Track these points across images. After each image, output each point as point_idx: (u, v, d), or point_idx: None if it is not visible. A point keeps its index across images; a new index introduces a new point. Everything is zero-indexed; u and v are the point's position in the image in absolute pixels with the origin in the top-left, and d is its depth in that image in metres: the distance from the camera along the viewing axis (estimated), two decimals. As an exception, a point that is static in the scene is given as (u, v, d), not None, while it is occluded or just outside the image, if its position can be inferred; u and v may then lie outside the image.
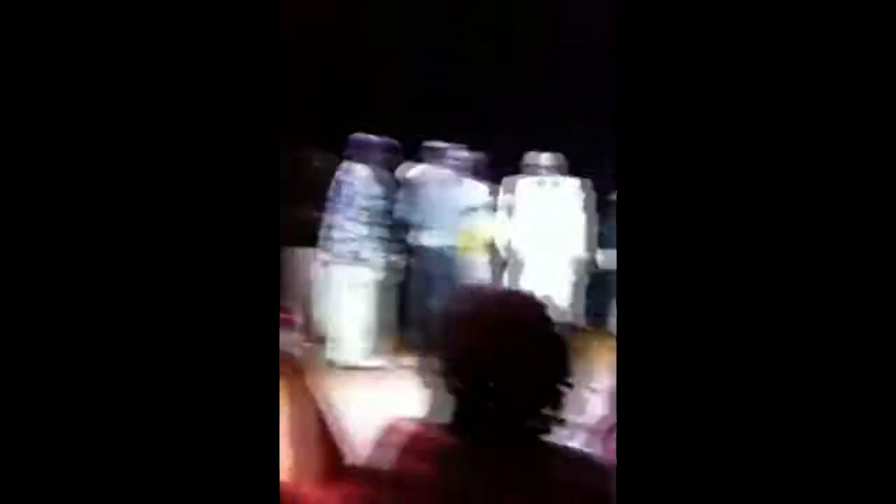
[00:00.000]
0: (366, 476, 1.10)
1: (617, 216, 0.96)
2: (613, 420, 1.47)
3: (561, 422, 1.07)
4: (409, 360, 4.52)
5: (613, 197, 4.89)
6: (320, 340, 4.96)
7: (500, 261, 5.29)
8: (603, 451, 1.36)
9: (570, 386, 1.08)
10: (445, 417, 1.07)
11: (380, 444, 1.11)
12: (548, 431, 1.07)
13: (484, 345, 1.04)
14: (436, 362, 1.08)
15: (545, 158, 5.07)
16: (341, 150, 4.99)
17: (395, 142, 4.96)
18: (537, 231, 5.07)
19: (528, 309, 1.10)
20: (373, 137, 4.91)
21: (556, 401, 1.07)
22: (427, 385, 1.09)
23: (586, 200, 5.14)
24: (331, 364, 4.73)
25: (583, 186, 5.12)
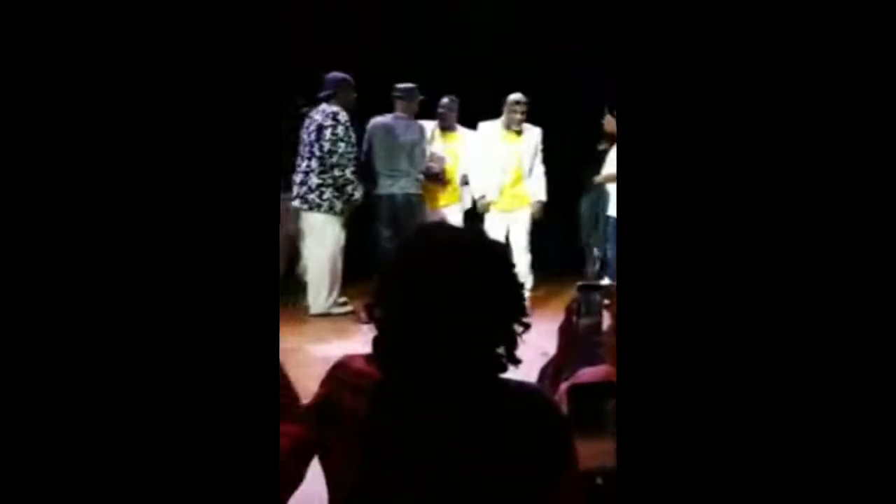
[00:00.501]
0: (311, 416, 1.09)
1: (617, 215, 0.96)
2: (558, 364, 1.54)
3: (515, 361, 1.07)
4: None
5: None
6: (293, 286, 5.03)
7: (463, 206, 5.30)
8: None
9: (525, 326, 1.08)
10: (394, 356, 1.06)
11: (326, 381, 1.11)
12: (502, 369, 1.07)
13: (435, 281, 1.02)
14: (387, 299, 1.07)
15: (517, 98, 4.99)
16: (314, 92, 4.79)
17: (348, 77, 4.71)
18: (498, 176, 5.03)
19: (483, 247, 1.08)
20: (336, 75, 4.66)
21: (510, 340, 1.07)
22: (378, 323, 1.08)
23: (543, 148, 5.12)
24: (305, 310, 4.80)
25: (541, 134, 5.10)
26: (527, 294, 4.60)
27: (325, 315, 4.72)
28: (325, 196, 4.57)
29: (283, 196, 4.52)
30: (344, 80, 4.69)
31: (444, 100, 5.27)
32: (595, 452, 1.17)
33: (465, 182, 5.23)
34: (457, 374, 1.03)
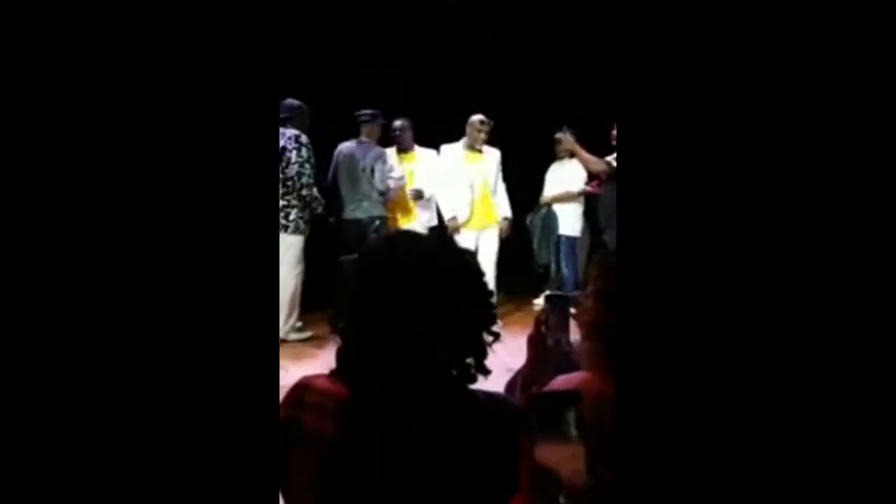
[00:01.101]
0: None
1: (617, 214, 0.94)
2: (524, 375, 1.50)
3: (484, 371, 1.05)
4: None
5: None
6: None
7: (423, 223, 5.34)
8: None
9: (494, 335, 1.05)
10: (360, 370, 1.02)
11: (285, 403, 1.06)
12: (470, 380, 1.04)
13: (398, 288, 0.99)
14: (350, 309, 1.03)
15: (481, 118, 5.11)
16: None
17: (302, 104, 4.80)
18: (467, 195, 5.14)
19: (448, 253, 1.05)
20: (293, 101, 4.76)
21: (479, 350, 1.04)
22: (342, 335, 1.04)
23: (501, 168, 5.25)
24: None
25: (499, 154, 5.23)
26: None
27: (282, 342, 4.58)
28: (290, 217, 4.59)
29: None
30: (299, 106, 4.77)
31: (397, 122, 5.37)
32: (560, 458, 1.11)
33: (417, 197, 5.29)
34: (423, 385, 0.99)
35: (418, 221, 5.31)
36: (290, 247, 4.59)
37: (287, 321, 4.66)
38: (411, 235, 1.10)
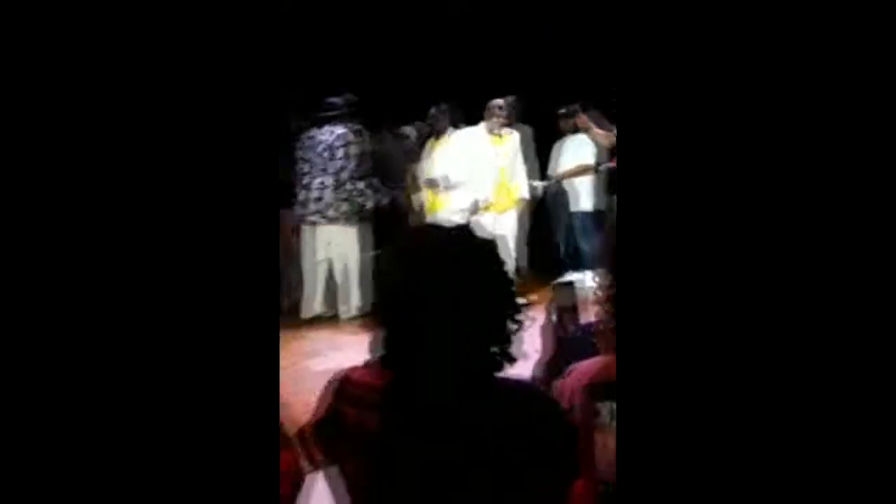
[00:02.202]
0: (314, 434, 1.08)
1: (617, 214, 0.95)
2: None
3: (511, 359, 1.05)
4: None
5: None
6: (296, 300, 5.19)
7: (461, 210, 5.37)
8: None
9: (519, 323, 1.06)
10: (391, 360, 1.05)
11: (326, 396, 1.10)
12: (498, 368, 1.05)
13: (425, 281, 1.00)
14: (381, 303, 1.06)
15: (499, 103, 5.14)
16: (311, 111, 5.09)
17: (354, 97, 5.01)
18: (491, 178, 5.17)
19: (473, 245, 1.06)
20: (336, 99, 4.97)
21: (504, 339, 1.05)
22: (375, 329, 1.06)
23: (527, 148, 5.27)
24: (310, 322, 4.95)
25: (524, 133, 5.25)
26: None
27: (356, 318, 4.86)
28: (341, 209, 4.87)
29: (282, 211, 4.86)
30: (348, 101, 4.98)
31: (432, 110, 5.40)
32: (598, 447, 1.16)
33: (435, 185, 5.31)
34: (453, 377, 1.02)
35: (451, 207, 5.32)
36: (343, 237, 4.91)
37: (359, 300, 4.96)
38: (434, 227, 1.12)
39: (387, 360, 1.05)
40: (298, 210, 4.93)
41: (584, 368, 1.32)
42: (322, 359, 4.10)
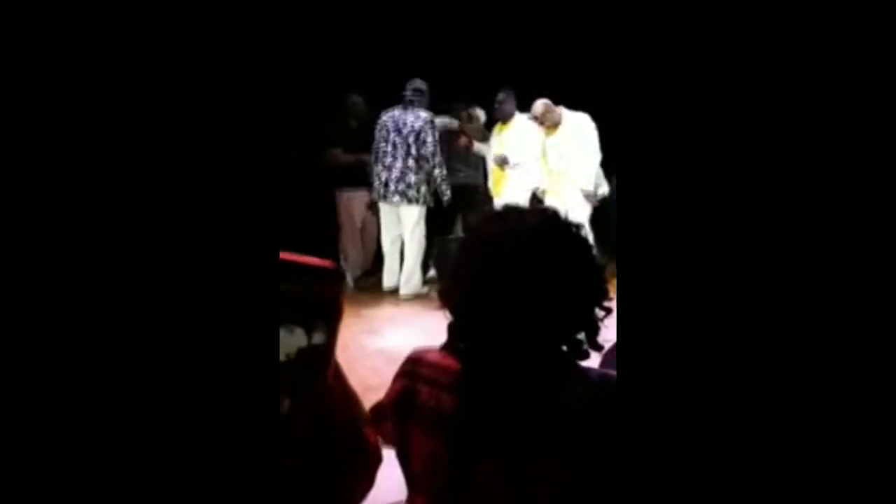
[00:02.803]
0: (389, 413, 1.06)
1: (617, 212, 0.91)
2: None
3: (598, 347, 1.01)
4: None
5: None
6: (371, 273, 5.60)
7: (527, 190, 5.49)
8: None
9: (607, 310, 1.01)
10: (471, 345, 1.01)
11: (400, 376, 1.07)
12: (583, 356, 1.01)
13: (511, 264, 0.96)
14: (462, 285, 1.01)
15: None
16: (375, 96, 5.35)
17: (426, 84, 5.21)
18: (558, 162, 5.27)
19: (558, 228, 1.02)
20: (421, 84, 5.17)
21: (591, 326, 1.00)
22: (452, 310, 1.03)
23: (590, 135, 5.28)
24: (391, 292, 5.25)
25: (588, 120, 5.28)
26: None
27: (417, 296, 5.11)
28: (422, 191, 5.11)
29: (357, 191, 5.43)
30: (425, 86, 5.18)
31: (500, 94, 5.54)
32: None
33: (502, 162, 5.51)
34: (537, 364, 0.97)
35: (513, 190, 5.46)
36: (420, 218, 5.17)
37: (422, 279, 5.29)
38: (518, 210, 1.07)
39: (460, 346, 1.01)
40: (379, 188, 5.15)
41: None
42: (378, 337, 4.12)
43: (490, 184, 5.68)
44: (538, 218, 1.04)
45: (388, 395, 1.08)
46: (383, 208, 5.22)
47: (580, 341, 1.00)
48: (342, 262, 5.47)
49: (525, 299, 0.95)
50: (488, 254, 0.99)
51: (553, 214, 1.04)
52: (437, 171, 5.12)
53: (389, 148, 5.08)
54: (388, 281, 5.28)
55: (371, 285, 5.43)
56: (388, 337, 4.04)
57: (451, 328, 1.03)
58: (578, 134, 5.21)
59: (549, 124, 5.26)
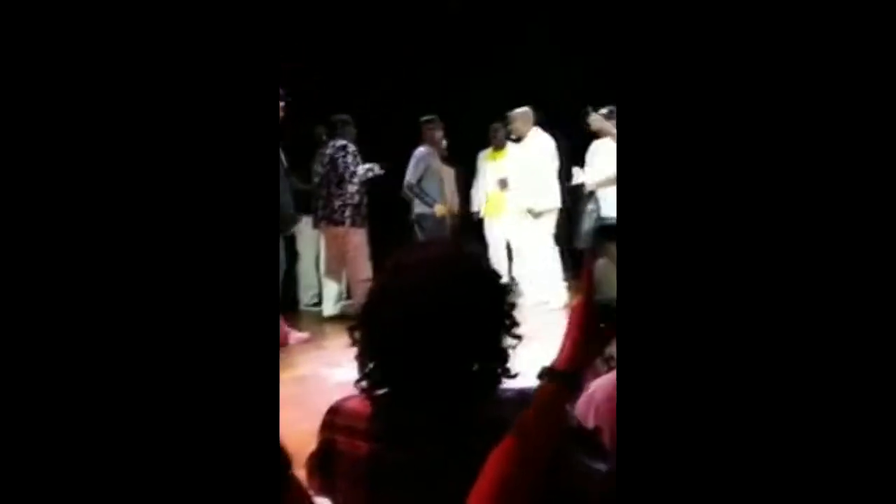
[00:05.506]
0: (313, 469, 1.07)
1: (617, 218, 0.91)
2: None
3: (509, 374, 1.02)
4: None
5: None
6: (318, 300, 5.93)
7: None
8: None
9: (517, 338, 1.03)
10: (377, 384, 1.03)
11: (321, 429, 1.09)
12: (494, 385, 1.02)
13: (416, 298, 0.98)
14: (371, 318, 1.03)
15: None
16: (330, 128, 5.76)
17: (348, 117, 5.66)
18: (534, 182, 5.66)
19: (467, 263, 1.05)
20: (340, 115, 5.64)
21: (499, 355, 1.02)
22: (360, 345, 1.05)
23: (559, 155, 5.63)
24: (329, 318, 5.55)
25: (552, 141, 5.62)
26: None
27: (340, 317, 5.43)
28: (346, 213, 5.50)
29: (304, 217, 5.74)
30: (346, 119, 5.64)
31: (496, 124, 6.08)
32: None
33: (507, 184, 5.92)
34: (446, 393, 0.99)
35: (512, 206, 5.88)
36: (347, 237, 5.50)
37: (340, 299, 5.71)
38: (423, 244, 1.10)
39: (368, 383, 1.04)
40: (321, 214, 5.57)
41: (603, 387, 1.28)
42: (338, 369, 4.09)
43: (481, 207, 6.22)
44: (438, 251, 1.08)
45: (311, 453, 1.09)
46: (323, 233, 5.70)
47: (492, 369, 1.02)
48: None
49: (427, 332, 0.97)
50: (386, 289, 1.02)
51: (454, 246, 1.10)
52: (350, 189, 5.45)
53: (316, 178, 5.59)
54: (327, 308, 5.69)
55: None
56: (349, 368, 3.99)
57: (360, 364, 1.05)
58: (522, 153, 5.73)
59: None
